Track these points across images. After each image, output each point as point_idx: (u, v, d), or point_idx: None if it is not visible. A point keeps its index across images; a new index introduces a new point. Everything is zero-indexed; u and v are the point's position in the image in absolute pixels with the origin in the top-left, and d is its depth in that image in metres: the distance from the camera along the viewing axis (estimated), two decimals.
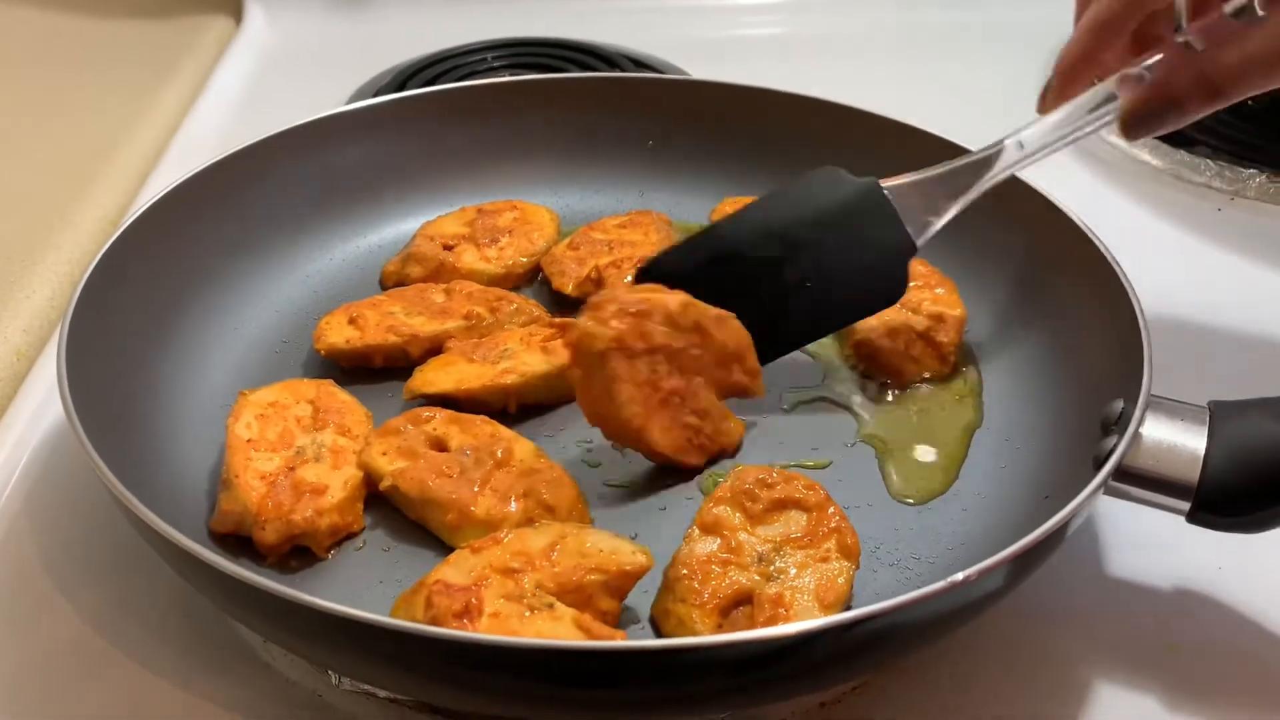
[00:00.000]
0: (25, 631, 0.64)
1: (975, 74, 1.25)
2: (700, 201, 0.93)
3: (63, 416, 0.61)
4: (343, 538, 0.65)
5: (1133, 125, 0.63)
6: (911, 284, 0.80)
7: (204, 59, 1.26)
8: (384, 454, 0.67)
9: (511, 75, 1.16)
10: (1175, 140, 1.08)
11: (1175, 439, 0.59)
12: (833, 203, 0.71)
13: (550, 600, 0.56)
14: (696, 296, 0.69)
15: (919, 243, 0.70)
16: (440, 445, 0.68)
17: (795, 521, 0.61)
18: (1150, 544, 0.68)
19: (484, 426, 0.69)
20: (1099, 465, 0.59)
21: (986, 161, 0.70)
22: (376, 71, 1.20)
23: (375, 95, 1.12)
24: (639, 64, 1.21)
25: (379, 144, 0.91)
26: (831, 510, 0.61)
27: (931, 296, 0.78)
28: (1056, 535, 0.54)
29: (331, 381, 0.72)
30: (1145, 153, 1.06)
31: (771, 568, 0.59)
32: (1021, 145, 0.69)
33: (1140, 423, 0.59)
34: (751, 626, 0.57)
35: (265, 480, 0.64)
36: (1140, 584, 0.66)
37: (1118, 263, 0.70)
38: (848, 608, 0.60)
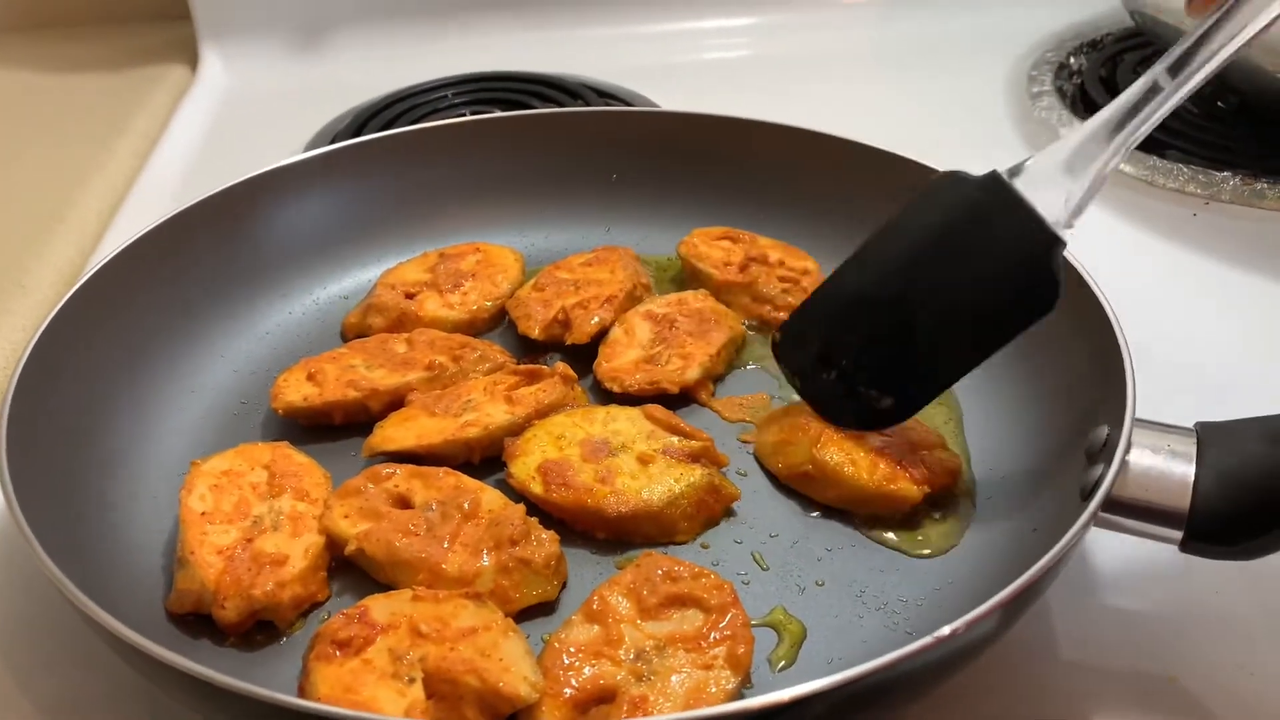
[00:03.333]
0: None
1: (946, 89, 1.24)
2: (668, 234, 0.91)
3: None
4: (307, 609, 0.63)
5: None
6: None
7: (160, 110, 1.24)
8: (346, 516, 0.65)
9: (472, 112, 1.14)
10: (1148, 146, 1.06)
11: (1163, 465, 0.57)
12: (952, 214, 0.61)
13: (416, 676, 0.54)
14: (823, 354, 0.65)
15: (1066, 230, 0.58)
16: (404, 502, 0.66)
17: (690, 620, 0.57)
18: (1144, 569, 0.66)
19: (447, 479, 0.66)
20: (1086, 496, 0.57)
21: (1118, 111, 0.58)
22: (335, 114, 1.18)
23: (333, 139, 1.11)
24: (603, 95, 1.19)
25: (335, 192, 0.89)
26: (731, 615, 0.57)
27: None
28: (1047, 576, 0.52)
29: (287, 443, 0.69)
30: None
31: (646, 667, 0.55)
32: (1158, 84, 0.58)
33: (1126, 450, 0.57)
34: None
35: (222, 555, 0.61)
36: (1137, 612, 0.64)
37: (1095, 281, 0.68)
38: None
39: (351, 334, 0.83)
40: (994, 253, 0.60)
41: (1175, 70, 0.58)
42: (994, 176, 0.61)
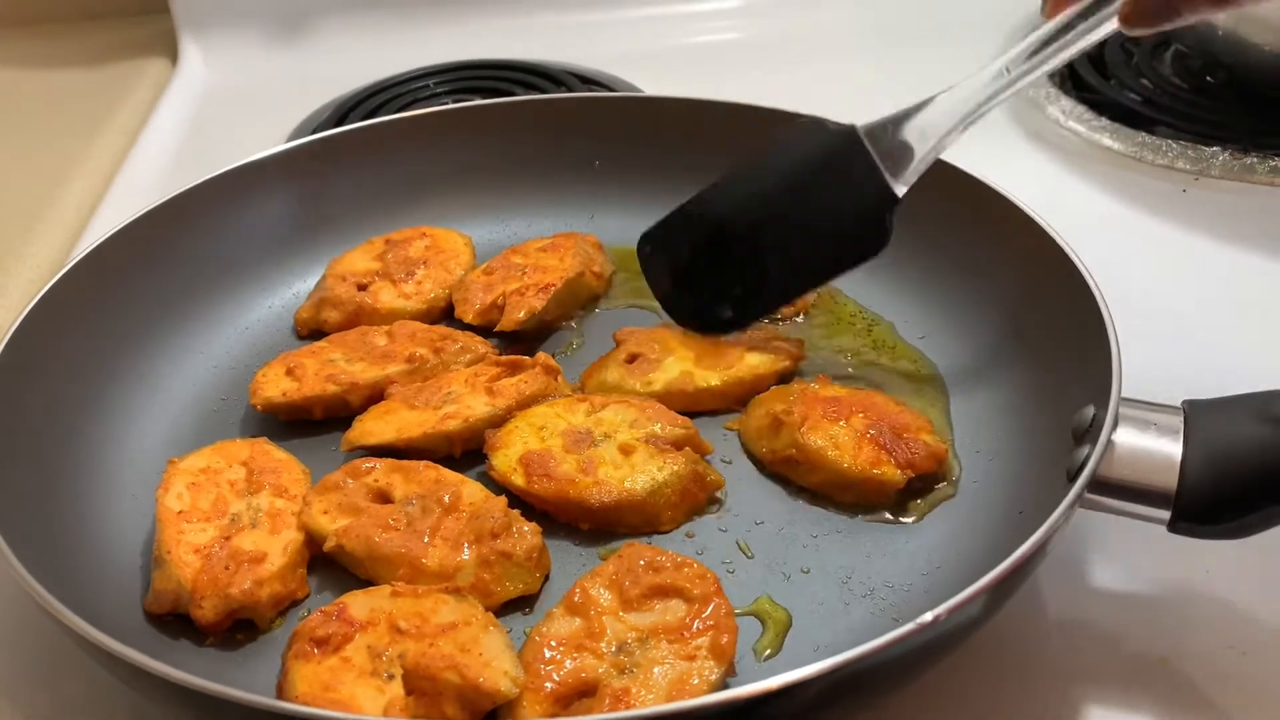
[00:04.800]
0: None
1: (937, 69, 1.21)
2: (653, 222, 0.89)
3: None
4: (287, 606, 0.62)
5: (1134, 18, 0.57)
6: None
7: (140, 105, 1.23)
8: (325, 512, 0.64)
9: (455, 101, 1.13)
10: (1136, 122, 1.05)
11: (1150, 445, 0.56)
12: (811, 158, 0.69)
13: (395, 673, 0.53)
14: (685, 268, 0.72)
15: (900, 191, 0.66)
16: (384, 496, 0.65)
17: (672, 611, 0.57)
18: (1133, 550, 0.65)
19: (428, 472, 0.66)
20: (1072, 477, 0.56)
21: (972, 92, 0.65)
22: (316, 106, 1.17)
23: (315, 130, 1.10)
24: (587, 81, 1.18)
25: (314, 184, 0.88)
26: (714, 605, 0.56)
27: None
28: (1033, 558, 0.51)
29: (265, 439, 0.69)
30: (1106, 136, 1.04)
31: (629, 659, 0.55)
32: (1007, 70, 0.64)
33: (1113, 430, 0.56)
34: None
35: (199, 554, 0.60)
36: (1126, 594, 0.64)
37: (1080, 258, 0.68)
38: None
39: (305, 330, 0.82)
40: (839, 199, 0.68)
41: (1026, 58, 0.64)
42: (852, 131, 0.68)
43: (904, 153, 0.66)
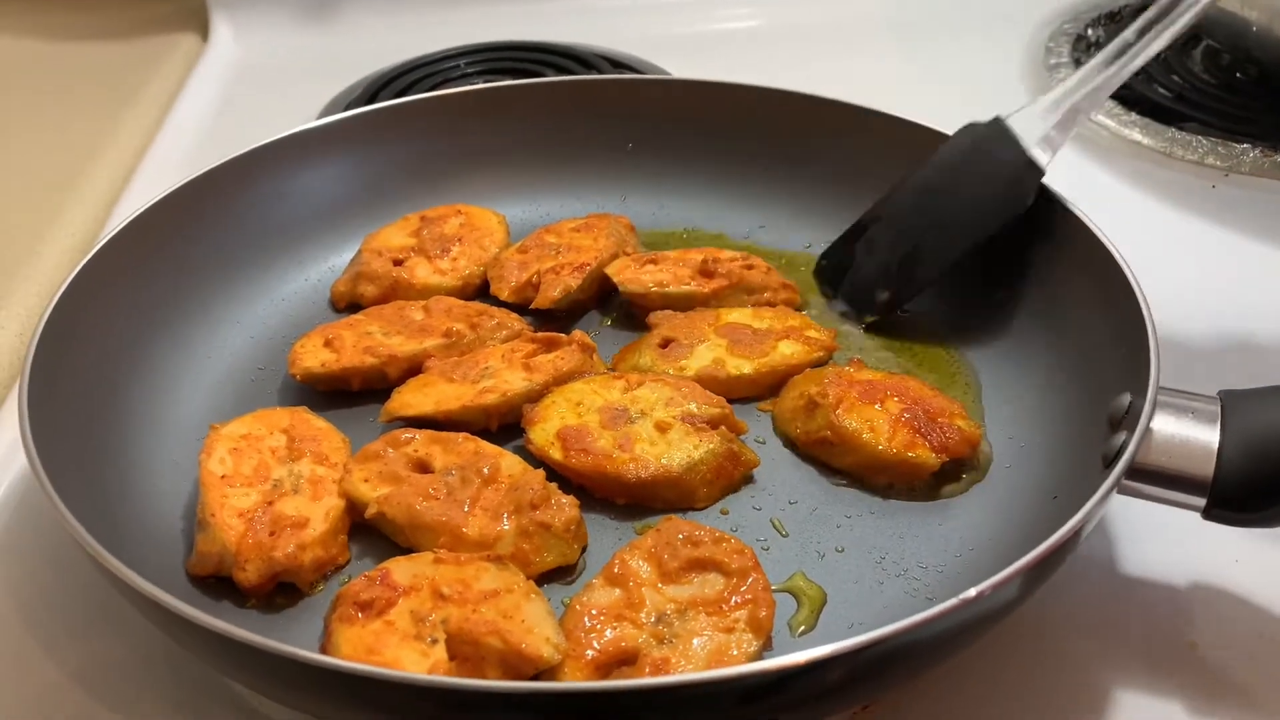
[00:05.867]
0: (6, 689, 0.61)
1: (960, 58, 1.23)
2: (685, 204, 0.90)
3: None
4: (329, 571, 0.63)
5: None
6: None
7: (171, 79, 1.24)
8: (366, 480, 0.65)
9: (485, 81, 1.13)
10: (1166, 117, 1.06)
11: (1187, 433, 0.57)
12: (961, 145, 0.79)
13: (438, 638, 0.54)
14: (849, 263, 0.82)
15: (1045, 161, 0.74)
16: (423, 467, 0.66)
17: (711, 584, 0.58)
18: (1163, 538, 0.65)
19: (466, 444, 0.66)
20: (1109, 464, 0.57)
21: (1096, 68, 0.74)
22: (347, 83, 1.18)
23: (346, 108, 1.10)
24: (617, 65, 1.18)
25: (349, 159, 0.88)
26: (752, 579, 0.57)
27: None
28: (1070, 541, 0.52)
29: (305, 408, 0.69)
30: (1136, 132, 1.04)
31: (668, 630, 0.55)
32: (1139, 34, 0.73)
33: (1150, 417, 0.57)
34: None
35: (243, 517, 0.61)
36: (1155, 581, 0.64)
37: (1116, 248, 0.68)
38: None
39: (342, 303, 0.83)
40: (985, 175, 0.77)
41: (1142, 33, 0.73)
42: (997, 119, 0.77)
43: (1039, 130, 0.75)
